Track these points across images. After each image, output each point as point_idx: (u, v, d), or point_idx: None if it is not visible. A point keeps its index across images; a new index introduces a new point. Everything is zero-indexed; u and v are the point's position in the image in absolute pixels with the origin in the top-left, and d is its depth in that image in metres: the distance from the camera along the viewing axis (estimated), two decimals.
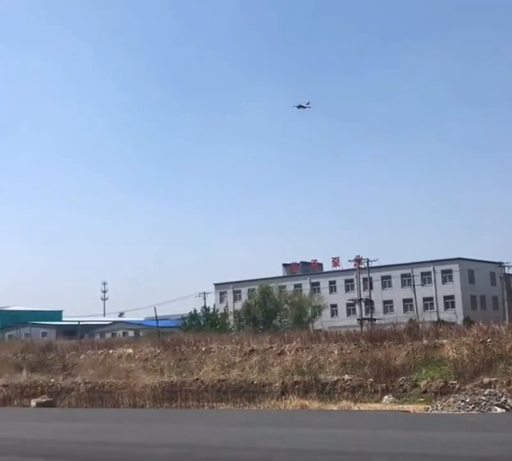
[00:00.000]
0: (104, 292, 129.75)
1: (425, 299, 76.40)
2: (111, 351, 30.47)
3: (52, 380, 29.18)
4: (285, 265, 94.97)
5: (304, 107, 63.05)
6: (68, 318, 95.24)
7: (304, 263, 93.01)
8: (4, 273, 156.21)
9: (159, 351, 29.16)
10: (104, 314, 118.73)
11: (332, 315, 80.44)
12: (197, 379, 26.11)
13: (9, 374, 30.67)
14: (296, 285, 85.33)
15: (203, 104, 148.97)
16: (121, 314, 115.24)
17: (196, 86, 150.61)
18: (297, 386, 23.94)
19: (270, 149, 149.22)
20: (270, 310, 65.17)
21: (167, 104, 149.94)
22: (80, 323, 63.10)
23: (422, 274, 77.57)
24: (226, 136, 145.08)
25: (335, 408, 21.60)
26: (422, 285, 75.53)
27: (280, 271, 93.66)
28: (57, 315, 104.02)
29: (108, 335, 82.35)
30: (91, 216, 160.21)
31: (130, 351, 30.06)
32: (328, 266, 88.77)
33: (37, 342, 37.48)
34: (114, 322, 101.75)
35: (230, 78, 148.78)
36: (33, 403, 27.45)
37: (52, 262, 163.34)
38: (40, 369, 30.75)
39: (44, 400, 27.40)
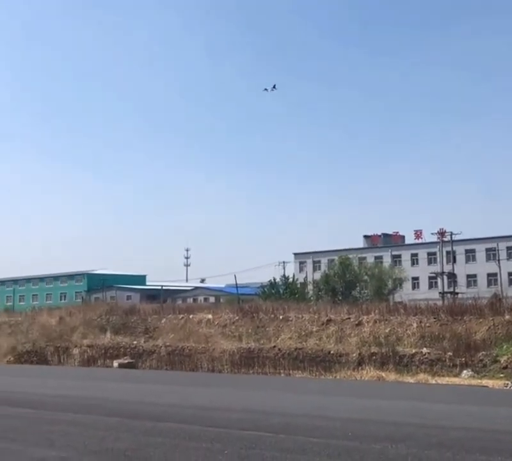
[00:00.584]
0: (187, 258, 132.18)
1: (510, 274, 74.54)
2: (191, 316, 31.06)
3: (135, 342, 30.03)
4: (366, 236, 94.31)
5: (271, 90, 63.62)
6: (152, 283, 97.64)
7: (385, 235, 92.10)
8: (93, 239, 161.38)
9: (237, 317, 29.53)
10: (186, 280, 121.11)
11: (413, 288, 79.63)
12: (274, 346, 26.37)
13: (94, 335, 31.74)
14: (376, 257, 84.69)
15: None
16: (202, 280, 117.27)
17: None
18: (374, 357, 23.87)
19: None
20: (349, 281, 64.99)
21: None
22: (163, 287, 64.41)
23: (508, 248, 75.59)
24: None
25: (411, 380, 21.47)
26: (508, 259, 73.65)
27: (360, 243, 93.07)
28: (141, 279, 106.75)
29: (189, 301, 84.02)
30: (179, 184, 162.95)
31: (210, 316, 30.55)
32: (409, 239, 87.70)
33: (121, 305, 38.55)
34: (196, 288, 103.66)
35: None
36: (116, 363, 28.41)
37: (137, 229, 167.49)
38: (123, 331, 31.67)
39: (126, 361, 28.31)
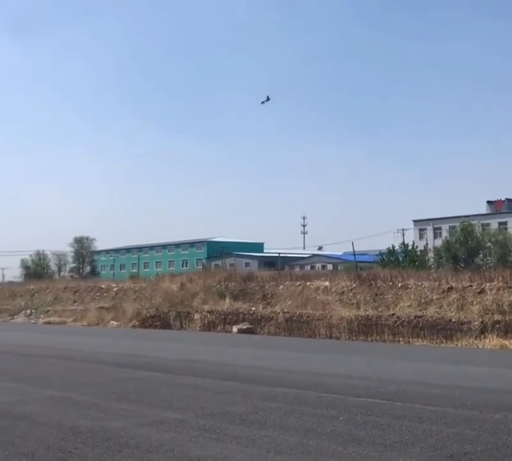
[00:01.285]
0: (304, 226, 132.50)
1: None
2: (308, 283, 31.04)
3: (253, 309, 30.41)
4: (489, 202, 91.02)
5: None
6: (269, 250, 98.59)
7: (510, 200, 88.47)
8: (211, 206, 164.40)
9: (354, 285, 29.25)
10: (303, 248, 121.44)
11: None
12: (393, 314, 25.96)
13: (213, 301, 32.39)
14: (500, 223, 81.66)
15: None
16: (319, 248, 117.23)
17: None
18: (497, 325, 23.04)
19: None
20: (471, 248, 63.11)
21: None
22: (280, 255, 64.80)
23: None
24: None
25: None
26: None
27: (483, 209, 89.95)
28: (259, 247, 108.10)
29: (307, 268, 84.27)
30: (295, 150, 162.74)
31: (327, 284, 30.42)
32: None
33: (239, 272, 39.10)
34: (313, 255, 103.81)
35: None
36: (234, 329, 28.92)
37: (255, 196, 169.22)
38: (242, 298, 32.13)
39: (245, 327, 28.75)
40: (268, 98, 61.95)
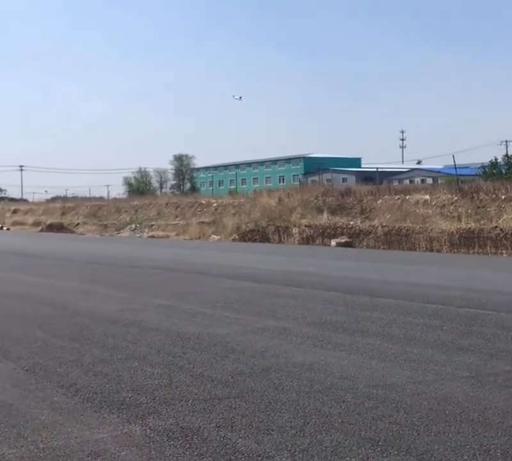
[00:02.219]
0: (402, 140, 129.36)
1: None
2: (407, 197, 30.56)
3: (351, 223, 30.35)
4: None
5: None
6: (367, 165, 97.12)
7: None
8: (307, 121, 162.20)
9: (456, 198, 28.58)
10: (402, 162, 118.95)
11: None
12: (496, 227, 25.33)
13: (311, 215, 32.48)
14: None
15: None
16: (418, 162, 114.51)
17: None
18: None
19: None
20: None
21: None
22: (378, 169, 63.71)
23: None
24: None
25: None
26: None
27: None
28: (356, 162, 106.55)
29: (405, 182, 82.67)
30: (391, 62, 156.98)
31: (427, 197, 29.85)
32: None
33: (337, 187, 38.84)
34: (412, 169, 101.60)
35: None
36: (333, 242, 29.04)
37: (351, 110, 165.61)
38: (339, 212, 32.05)
39: (343, 240, 28.82)
40: (240, 98, 75.94)
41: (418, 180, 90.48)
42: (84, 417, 5.59)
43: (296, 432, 5.18)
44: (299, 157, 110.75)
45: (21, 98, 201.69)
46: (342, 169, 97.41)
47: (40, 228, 50.95)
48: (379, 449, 4.81)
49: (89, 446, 4.91)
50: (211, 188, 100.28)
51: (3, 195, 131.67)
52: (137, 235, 40.71)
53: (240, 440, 5.03)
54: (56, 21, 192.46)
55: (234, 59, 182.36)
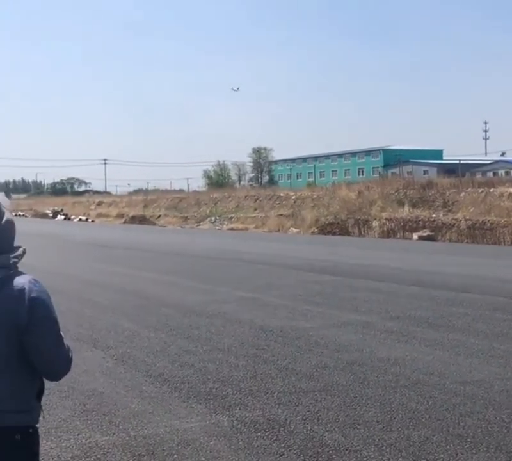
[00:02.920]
0: (485, 131, 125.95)
1: None
2: (491, 190, 29.80)
3: (433, 216, 29.81)
4: None
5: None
6: (449, 157, 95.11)
7: None
8: (388, 113, 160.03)
9: None
10: (485, 154, 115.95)
11: None
12: None
13: (392, 208, 32.06)
14: None
15: None
16: (502, 154, 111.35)
17: None
18: None
19: None
20: None
21: None
22: (461, 161, 62.32)
23: None
24: None
25: None
26: None
27: None
28: (437, 154, 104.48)
29: (489, 175, 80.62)
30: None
31: None
32: None
33: (417, 180, 38.21)
34: (496, 161, 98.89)
35: None
36: (415, 236, 28.59)
37: (432, 101, 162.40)
38: (421, 205, 31.53)
39: (425, 234, 28.33)
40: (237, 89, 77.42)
41: (502, 172, 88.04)
42: (172, 407, 5.71)
43: (383, 427, 5.16)
44: (379, 149, 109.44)
45: (105, 93, 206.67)
46: (423, 161, 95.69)
47: (123, 220, 52.08)
48: (467, 445, 4.74)
49: (179, 435, 5.02)
50: (289, 181, 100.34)
51: (88, 188, 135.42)
52: (217, 227, 41.12)
53: (326, 433, 5.04)
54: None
55: (315, 50, 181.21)
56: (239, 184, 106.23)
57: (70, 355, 2.66)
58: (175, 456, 4.65)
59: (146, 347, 7.95)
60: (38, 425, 2.58)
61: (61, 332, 2.60)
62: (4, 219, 2.54)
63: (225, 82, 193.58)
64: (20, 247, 2.59)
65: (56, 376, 2.69)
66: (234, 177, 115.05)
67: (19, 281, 2.48)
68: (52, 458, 4.59)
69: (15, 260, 2.53)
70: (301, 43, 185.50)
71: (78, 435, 5.06)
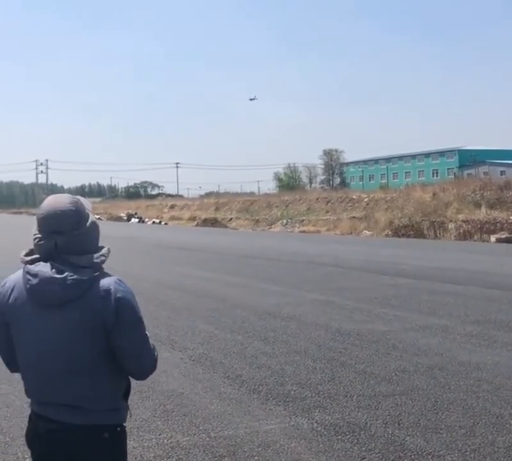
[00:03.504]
0: None
1: None
2: None
3: (511, 218, 29.06)
4: None
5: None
6: None
7: None
8: (461, 112, 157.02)
9: None
10: None
11: None
12: None
13: (468, 210, 31.43)
14: None
15: None
16: None
17: None
18: None
19: None
20: None
21: None
22: None
23: None
24: None
25: None
26: None
27: None
28: None
29: None
30: None
31: None
32: None
33: (495, 180, 37.35)
34: None
35: None
36: (493, 238, 27.90)
37: (506, 102, 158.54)
38: (498, 207, 30.81)
39: (503, 236, 27.61)
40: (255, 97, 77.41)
41: None
42: (251, 408, 5.73)
43: (466, 432, 5.05)
44: (454, 150, 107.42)
45: (177, 99, 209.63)
46: (500, 161, 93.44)
47: (195, 222, 52.69)
48: None
49: (259, 437, 5.02)
50: (361, 183, 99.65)
51: (161, 191, 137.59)
52: (289, 230, 41.11)
53: (408, 437, 4.97)
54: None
55: (379, 50, 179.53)
56: (310, 186, 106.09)
57: (155, 354, 2.70)
58: (256, 457, 4.65)
59: (223, 348, 8.00)
60: (125, 424, 2.62)
61: (146, 332, 2.64)
62: (89, 221, 2.60)
63: (293, 84, 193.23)
64: (104, 247, 2.64)
65: (143, 375, 2.73)
66: (305, 180, 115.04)
67: (105, 281, 2.52)
68: (135, 458, 4.66)
69: (103, 258, 2.59)
70: (364, 42, 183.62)
71: (159, 435, 5.13)
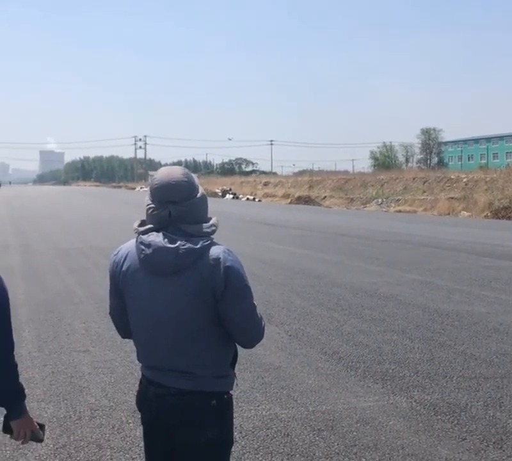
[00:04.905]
0: None
1: None
2: None
3: None
4: None
5: None
6: None
7: None
8: None
9: None
10: None
11: None
12: None
13: None
14: None
15: None
16: None
17: None
18: None
19: None
20: None
21: None
22: None
23: None
24: None
25: None
26: None
27: None
28: None
29: None
30: None
31: None
32: None
33: None
34: None
35: None
36: None
37: None
38: None
39: None
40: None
41: None
42: (349, 385, 5.73)
43: None
44: None
45: (271, 76, 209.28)
46: None
47: (288, 200, 52.70)
48: None
49: (357, 413, 5.03)
50: (460, 163, 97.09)
51: (255, 168, 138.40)
52: (384, 209, 40.56)
53: (510, 420, 4.88)
54: None
55: (483, 30, 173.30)
56: (406, 165, 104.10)
57: (263, 324, 2.72)
58: (354, 433, 4.66)
59: (319, 325, 8.02)
60: (231, 391, 2.66)
61: (254, 302, 2.67)
62: (200, 192, 2.67)
63: (391, 63, 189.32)
64: (212, 218, 2.69)
65: (250, 344, 2.76)
66: (401, 159, 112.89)
67: (215, 251, 2.56)
68: (235, 428, 4.73)
69: (213, 228, 2.64)
70: (471, 21, 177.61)
71: (258, 406, 5.20)
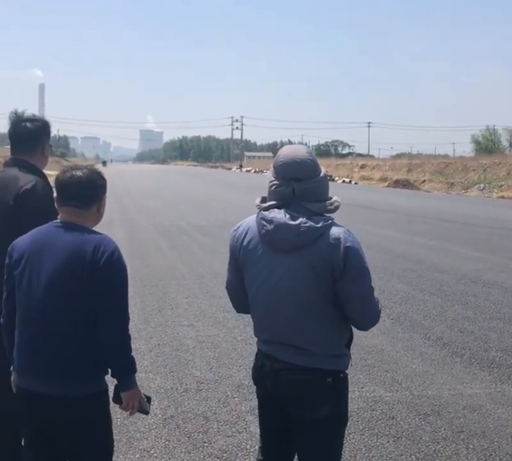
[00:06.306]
0: None
1: None
2: None
3: None
4: None
5: None
6: None
7: None
8: None
9: None
10: None
11: None
12: None
13: None
14: None
15: None
16: None
17: None
18: None
19: None
20: None
21: None
22: None
23: None
24: None
25: None
26: None
27: None
28: None
29: None
30: None
31: None
32: None
33: None
34: None
35: None
36: None
37: None
38: None
39: None
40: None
41: None
42: (454, 371, 5.64)
43: None
44: None
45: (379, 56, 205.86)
46: None
47: (386, 183, 51.92)
48: None
49: (464, 399, 4.95)
50: None
51: (351, 151, 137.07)
52: (486, 195, 39.40)
53: None
54: None
55: None
56: (510, 150, 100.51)
57: (379, 307, 2.71)
58: (461, 419, 4.59)
59: (422, 310, 7.91)
60: (347, 371, 2.66)
61: (372, 284, 2.65)
62: (322, 171, 2.67)
63: (499, 48, 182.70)
64: (334, 196, 2.68)
65: (364, 326, 2.75)
66: (505, 143, 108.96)
67: (335, 230, 2.56)
68: None
69: (337, 204, 2.64)
70: None
71: (362, 388, 5.20)
